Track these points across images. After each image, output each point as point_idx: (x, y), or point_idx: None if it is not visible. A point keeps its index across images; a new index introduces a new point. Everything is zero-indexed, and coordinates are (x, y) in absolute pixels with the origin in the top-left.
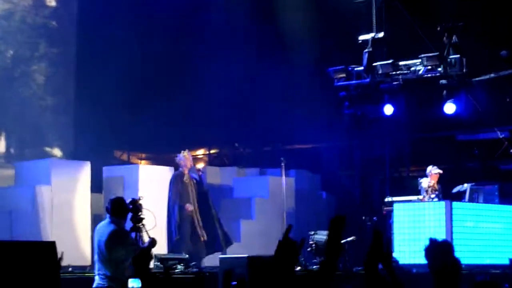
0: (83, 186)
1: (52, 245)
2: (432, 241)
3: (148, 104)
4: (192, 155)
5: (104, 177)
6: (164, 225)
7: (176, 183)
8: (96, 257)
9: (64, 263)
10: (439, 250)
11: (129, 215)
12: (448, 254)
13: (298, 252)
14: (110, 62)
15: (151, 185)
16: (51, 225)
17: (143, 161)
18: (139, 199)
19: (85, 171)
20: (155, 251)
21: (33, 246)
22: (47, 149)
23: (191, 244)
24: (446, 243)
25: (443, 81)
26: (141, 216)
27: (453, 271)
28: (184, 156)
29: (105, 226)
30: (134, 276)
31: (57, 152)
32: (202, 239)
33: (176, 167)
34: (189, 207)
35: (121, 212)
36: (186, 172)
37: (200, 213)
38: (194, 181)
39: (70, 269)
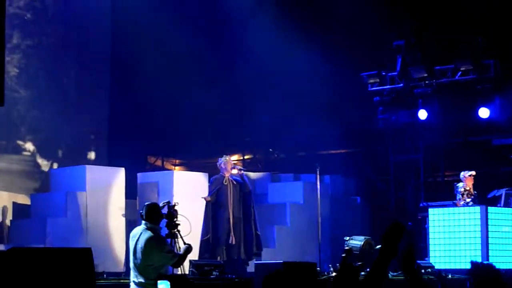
0: (117, 192)
1: (88, 251)
2: (476, 265)
3: (182, 110)
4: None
5: (138, 183)
6: (199, 231)
7: (215, 185)
8: (131, 264)
9: (99, 269)
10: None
11: (164, 221)
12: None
13: (358, 276)
14: (145, 67)
15: (186, 191)
16: (86, 231)
17: (177, 167)
18: (174, 205)
19: (119, 177)
20: (190, 257)
21: (69, 252)
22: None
23: (225, 247)
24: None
25: (477, 86)
26: (177, 222)
27: None
28: (226, 160)
29: (141, 232)
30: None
31: (91, 157)
32: (233, 242)
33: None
34: (207, 198)
35: (156, 217)
36: (227, 175)
37: (241, 215)
38: (235, 182)
39: (104, 275)
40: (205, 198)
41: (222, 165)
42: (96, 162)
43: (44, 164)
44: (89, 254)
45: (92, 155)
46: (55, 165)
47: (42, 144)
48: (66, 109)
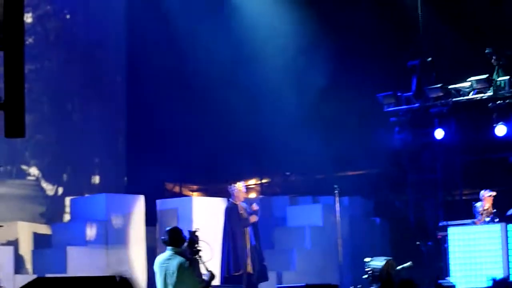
0: (137, 219)
1: (112, 279)
2: (495, 282)
3: (199, 135)
4: (245, 185)
5: (158, 209)
6: (219, 257)
7: (232, 216)
8: None
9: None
10: None
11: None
12: None
13: None
14: (160, 92)
15: (205, 217)
16: (107, 259)
17: (195, 193)
18: (195, 231)
19: (139, 204)
20: (214, 282)
21: (94, 280)
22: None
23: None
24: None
25: (493, 103)
26: (198, 248)
27: None
28: (237, 188)
29: (169, 257)
30: None
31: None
32: (250, 271)
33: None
34: (254, 218)
35: (180, 241)
36: (238, 203)
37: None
38: (244, 211)
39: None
40: (252, 207)
41: (235, 192)
42: (105, 186)
43: (49, 188)
44: (113, 282)
45: (96, 179)
46: (60, 190)
47: (46, 168)
48: (70, 133)
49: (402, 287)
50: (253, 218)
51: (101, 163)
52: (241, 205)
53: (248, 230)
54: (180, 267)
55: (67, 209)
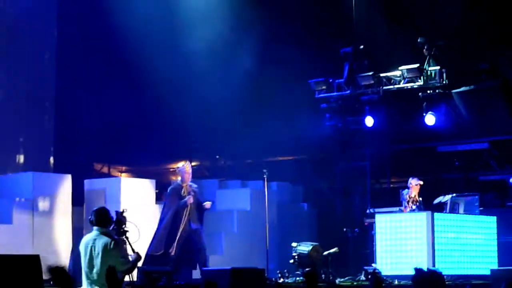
0: (64, 199)
1: (36, 258)
2: (419, 272)
3: (128, 116)
4: (173, 168)
5: (85, 189)
6: (148, 238)
7: (172, 196)
8: (84, 274)
9: (46, 276)
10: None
11: (113, 227)
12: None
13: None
14: (91, 73)
15: (133, 198)
16: (32, 238)
17: (123, 174)
18: (123, 211)
19: (66, 184)
20: (138, 264)
21: (17, 259)
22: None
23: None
24: (436, 275)
25: (423, 93)
26: (125, 229)
27: None
28: (185, 168)
29: (95, 238)
30: None
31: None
32: (173, 253)
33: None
34: (190, 199)
35: (107, 222)
36: (185, 185)
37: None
38: (193, 193)
39: (51, 282)
40: (188, 200)
41: (181, 173)
42: (30, 166)
43: None
44: (37, 261)
45: (21, 159)
46: None
47: None
48: None
49: (307, 278)
50: (190, 200)
51: (26, 142)
52: (188, 186)
53: (188, 212)
54: (105, 247)
55: None
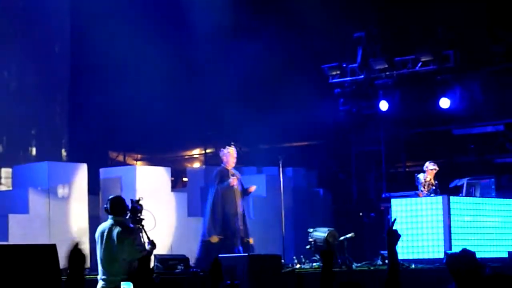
0: (80, 188)
1: (53, 248)
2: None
3: (143, 104)
4: (188, 155)
5: (101, 178)
6: (164, 226)
7: (219, 179)
8: (99, 261)
9: (62, 265)
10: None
11: (129, 215)
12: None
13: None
14: (106, 62)
15: (149, 186)
16: (49, 228)
17: (139, 162)
18: (139, 200)
19: (82, 173)
20: (155, 251)
21: (34, 249)
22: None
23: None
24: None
25: (438, 76)
26: (141, 217)
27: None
28: (229, 152)
29: (109, 226)
30: (129, 279)
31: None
32: (245, 240)
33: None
34: (234, 180)
35: (122, 210)
36: (230, 168)
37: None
38: (238, 176)
39: (68, 271)
40: (230, 182)
41: (225, 157)
42: (42, 159)
43: None
44: (54, 251)
45: (33, 151)
46: None
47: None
48: (6, 103)
49: (323, 256)
50: (233, 181)
51: (38, 134)
52: (233, 171)
53: (235, 196)
54: (120, 236)
55: (3, 181)
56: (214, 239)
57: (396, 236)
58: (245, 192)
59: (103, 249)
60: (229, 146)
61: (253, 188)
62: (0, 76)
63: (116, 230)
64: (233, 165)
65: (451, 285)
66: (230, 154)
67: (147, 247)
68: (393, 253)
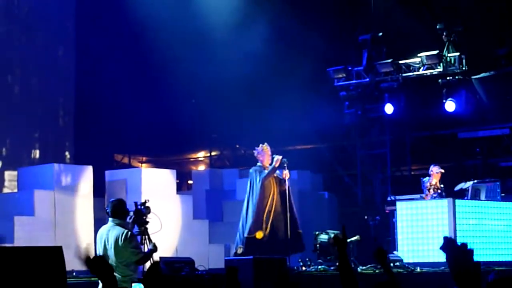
0: (85, 190)
1: (59, 250)
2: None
3: (148, 107)
4: (193, 157)
5: (106, 181)
6: (169, 229)
7: (256, 178)
8: None
9: (68, 268)
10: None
11: (133, 218)
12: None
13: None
14: (109, 65)
15: (154, 188)
16: (54, 230)
17: (144, 164)
18: (145, 202)
19: (87, 175)
20: (160, 254)
21: (40, 251)
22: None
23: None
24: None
25: (443, 79)
26: (146, 219)
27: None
28: (263, 149)
29: (109, 229)
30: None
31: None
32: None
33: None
34: (287, 174)
35: (122, 213)
36: (267, 166)
37: (278, 212)
38: (276, 175)
39: (74, 273)
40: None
41: (260, 156)
42: (45, 162)
43: None
44: (60, 253)
45: (36, 154)
46: None
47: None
48: (10, 106)
49: (336, 243)
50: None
51: (41, 137)
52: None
53: (275, 196)
54: (117, 238)
55: (6, 183)
56: (260, 234)
57: (382, 254)
58: (281, 182)
59: (102, 251)
60: (262, 144)
61: (286, 174)
62: (4, 79)
63: (114, 232)
64: (270, 162)
65: None
66: (265, 152)
67: (148, 249)
68: (387, 269)
